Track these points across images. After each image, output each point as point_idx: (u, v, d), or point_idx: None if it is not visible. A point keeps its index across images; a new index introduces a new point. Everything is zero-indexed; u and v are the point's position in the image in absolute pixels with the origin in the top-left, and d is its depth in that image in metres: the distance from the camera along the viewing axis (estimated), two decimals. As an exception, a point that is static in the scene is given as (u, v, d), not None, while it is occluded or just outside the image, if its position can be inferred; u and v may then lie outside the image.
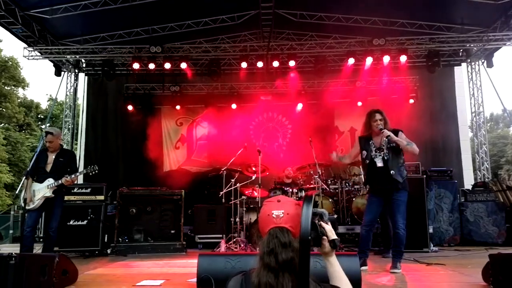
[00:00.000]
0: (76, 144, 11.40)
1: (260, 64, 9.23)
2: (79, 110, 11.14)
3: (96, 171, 5.57)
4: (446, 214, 7.62)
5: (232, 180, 7.28)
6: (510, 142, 32.27)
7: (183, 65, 9.26)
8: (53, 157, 5.45)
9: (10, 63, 26.30)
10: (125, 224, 7.12)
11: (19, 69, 27.20)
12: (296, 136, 10.28)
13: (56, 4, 8.01)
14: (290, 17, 8.99)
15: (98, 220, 6.96)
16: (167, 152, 10.64)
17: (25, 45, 9.04)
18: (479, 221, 7.61)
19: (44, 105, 32.11)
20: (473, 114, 10.42)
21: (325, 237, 1.66)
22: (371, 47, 8.94)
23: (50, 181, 5.28)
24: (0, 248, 7.99)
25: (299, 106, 10.39)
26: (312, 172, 7.67)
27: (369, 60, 9.06)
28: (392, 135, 4.67)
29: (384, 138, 4.76)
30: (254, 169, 7.47)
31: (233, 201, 7.17)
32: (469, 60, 10.33)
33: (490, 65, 9.63)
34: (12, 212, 10.81)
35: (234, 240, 6.61)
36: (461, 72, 10.86)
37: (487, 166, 9.96)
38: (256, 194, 7.28)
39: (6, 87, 26.42)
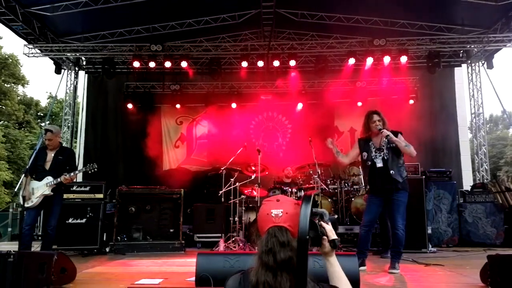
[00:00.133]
0: (76, 142, 11.40)
1: (260, 63, 9.24)
2: (79, 108, 11.12)
3: (95, 169, 5.56)
4: (444, 215, 7.63)
5: (232, 179, 7.29)
6: (509, 144, 32.28)
7: (184, 64, 9.26)
8: (52, 155, 5.44)
9: (10, 60, 26.27)
10: (124, 222, 7.11)
11: (19, 66, 27.18)
12: (296, 136, 10.28)
13: (57, 1, 8.02)
14: (291, 16, 8.99)
15: (97, 219, 6.96)
16: (166, 150, 10.64)
17: (25, 43, 9.05)
18: (478, 222, 7.62)
19: (44, 102, 32.13)
20: (473, 115, 10.43)
21: (325, 237, 1.66)
22: (372, 47, 8.95)
23: (49, 179, 5.28)
24: (-2, 245, 7.99)
25: (299, 106, 10.40)
26: (311, 172, 7.68)
27: (369, 60, 9.07)
28: (391, 134, 4.68)
29: (384, 139, 4.77)
30: (253, 168, 7.48)
31: (232, 201, 7.18)
32: (469, 61, 10.34)
33: (490, 66, 9.65)
34: (11, 210, 10.77)
35: (233, 239, 6.61)
36: (461, 73, 10.88)
37: (486, 167, 9.97)
38: (255, 193, 7.29)
39: (6, 85, 26.38)
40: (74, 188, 7.10)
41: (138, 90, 10.57)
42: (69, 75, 10.55)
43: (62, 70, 10.24)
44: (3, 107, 26.06)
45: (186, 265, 5.22)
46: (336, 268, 1.72)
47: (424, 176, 7.01)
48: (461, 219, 7.68)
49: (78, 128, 10.75)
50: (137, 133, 10.18)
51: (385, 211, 5.00)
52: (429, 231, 6.77)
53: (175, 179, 8.99)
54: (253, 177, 7.33)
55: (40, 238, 7.29)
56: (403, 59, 8.94)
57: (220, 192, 7.24)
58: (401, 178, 4.70)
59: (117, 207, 7.14)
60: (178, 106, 10.39)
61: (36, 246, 5.54)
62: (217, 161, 9.07)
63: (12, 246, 7.02)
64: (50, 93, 33.12)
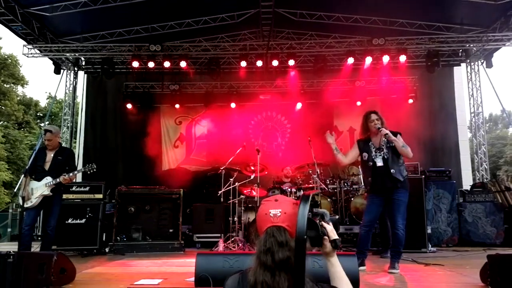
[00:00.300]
0: (75, 142, 11.39)
1: (259, 63, 9.23)
2: (78, 108, 11.11)
3: (94, 170, 5.56)
4: (444, 214, 7.63)
5: (231, 179, 7.28)
6: (509, 143, 32.31)
7: (183, 64, 9.25)
8: (52, 155, 5.44)
9: (10, 60, 26.24)
10: (123, 222, 7.11)
11: (19, 66, 27.16)
12: (295, 136, 10.27)
13: (56, 1, 8.01)
14: (290, 16, 8.98)
15: (97, 219, 6.95)
16: (166, 150, 10.63)
17: (25, 43, 9.05)
18: (478, 221, 7.62)
19: (43, 103, 32.08)
20: (472, 115, 10.43)
21: (326, 237, 1.66)
22: (371, 47, 8.95)
23: (48, 179, 5.28)
24: (-2, 246, 7.98)
25: (298, 106, 10.40)
26: (311, 171, 7.68)
27: (368, 60, 9.07)
28: (389, 133, 4.68)
29: (383, 138, 4.77)
30: (253, 168, 7.47)
31: (231, 200, 7.17)
32: (468, 61, 10.34)
33: (489, 65, 9.65)
34: (10, 210, 10.78)
35: (233, 239, 6.61)
36: (460, 72, 10.88)
37: (486, 167, 9.97)
38: (254, 193, 7.28)
39: (5, 85, 26.36)
40: (74, 188, 7.09)
41: (137, 90, 10.56)
42: (68, 75, 10.54)
43: (62, 70, 10.24)
44: (3, 107, 26.04)
45: (186, 265, 5.22)
46: (337, 269, 1.72)
47: (423, 176, 7.01)
48: (461, 218, 7.68)
49: (78, 128, 10.75)
50: (137, 133, 10.18)
51: (385, 211, 5.00)
52: (429, 231, 6.77)
53: (174, 179, 8.99)
54: (252, 177, 7.32)
55: (39, 238, 7.29)
56: (402, 58, 8.94)
57: (220, 192, 7.23)
58: (401, 177, 4.70)
59: (116, 207, 7.14)
60: (177, 106, 10.38)
61: (35, 247, 5.54)
62: (216, 161, 9.07)
63: (11, 247, 7.01)
64: (50, 93, 33.09)
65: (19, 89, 28.83)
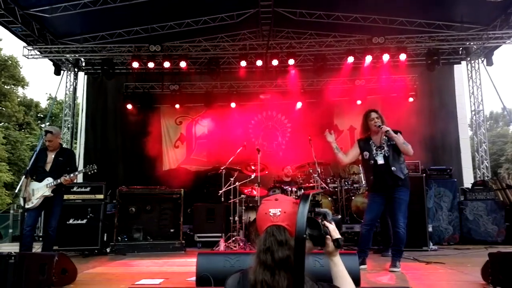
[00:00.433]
0: (76, 143, 11.40)
1: (259, 62, 9.22)
2: (78, 109, 11.13)
3: (95, 170, 5.57)
4: (445, 212, 7.62)
5: (232, 179, 7.28)
6: (509, 141, 32.30)
7: (183, 64, 9.25)
8: (53, 156, 5.45)
9: (10, 62, 26.27)
10: (124, 223, 7.12)
11: (19, 68, 27.20)
12: (296, 135, 10.26)
13: (56, 3, 8.00)
14: (289, 15, 8.97)
15: (98, 219, 6.97)
16: (166, 151, 10.63)
17: (25, 44, 9.05)
18: (479, 219, 7.61)
19: (43, 104, 32.11)
20: (473, 113, 10.41)
21: (328, 236, 1.66)
22: (371, 46, 8.94)
23: (49, 180, 5.28)
24: (-1, 247, 8.00)
25: (299, 105, 10.39)
26: (311, 170, 7.66)
27: (368, 59, 9.05)
28: (390, 130, 4.68)
29: (384, 136, 4.78)
30: (253, 168, 7.46)
31: (232, 200, 7.17)
32: (468, 59, 10.32)
33: (489, 63, 9.62)
34: (11, 211, 10.82)
35: (233, 239, 6.61)
36: (460, 70, 10.84)
37: (487, 165, 9.96)
38: (255, 193, 7.28)
39: (5, 86, 26.39)
40: (75, 189, 7.11)
41: (138, 91, 10.57)
42: (68, 76, 10.55)
43: (62, 71, 10.24)
44: (3, 108, 26.07)
45: (187, 265, 5.22)
46: (340, 268, 1.71)
47: (424, 174, 7.01)
48: (462, 216, 7.67)
49: (78, 129, 10.76)
50: (137, 133, 10.19)
51: (386, 210, 5.00)
52: (430, 229, 6.76)
53: (175, 179, 8.99)
54: (252, 176, 7.31)
55: (41, 239, 7.29)
56: (402, 57, 8.93)
57: (220, 191, 7.23)
58: (402, 174, 4.71)
59: (117, 208, 7.15)
60: (177, 106, 10.38)
61: (37, 247, 5.55)
62: (216, 161, 9.08)
63: (13, 247, 7.00)
64: (50, 94, 33.15)
65: (20, 91, 28.92)
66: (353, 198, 7.90)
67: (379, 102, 9.65)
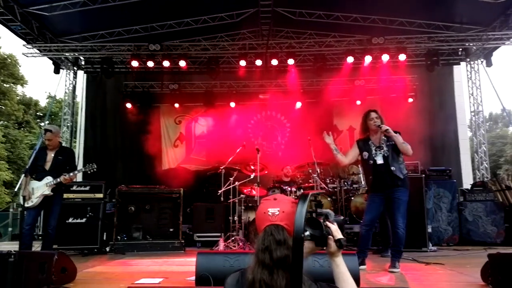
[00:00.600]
0: (75, 142, 11.40)
1: (259, 62, 9.22)
2: (78, 107, 11.13)
3: (95, 170, 5.57)
4: (445, 213, 7.62)
5: (231, 178, 7.27)
6: (509, 142, 32.32)
7: (182, 63, 9.25)
8: (52, 155, 5.44)
9: (9, 60, 26.22)
10: (124, 222, 7.12)
11: (18, 66, 27.15)
12: (295, 135, 10.26)
13: (55, 1, 8.01)
14: (289, 15, 8.98)
15: (97, 218, 6.96)
16: (165, 150, 10.63)
17: (24, 43, 9.04)
18: (478, 220, 7.61)
19: (43, 102, 32.08)
20: (472, 114, 10.42)
21: (331, 237, 1.66)
22: (370, 46, 8.95)
23: (48, 179, 5.28)
24: (-2, 245, 7.98)
25: (298, 105, 10.39)
26: (310, 171, 7.67)
27: (368, 59, 9.07)
28: (390, 129, 4.69)
29: (383, 136, 4.78)
30: (252, 167, 7.47)
31: (231, 200, 7.17)
32: (468, 59, 10.33)
33: (489, 64, 9.63)
34: (11, 210, 10.79)
35: (233, 238, 6.61)
36: (460, 71, 10.87)
37: (486, 166, 9.97)
38: (254, 192, 7.29)
39: (5, 85, 26.34)
40: (74, 188, 7.11)
41: (137, 90, 10.56)
42: (68, 75, 10.54)
43: (61, 70, 10.23)
44: (3, 107, 26.04)
45: (186, 264, 5.23)
46: (342, 269, 1.70)
47: (424, 175, 7.00)
48: (461, 217, 7.66)
49: (78, 127, 10.77)
50: (136, 132, 10.19)
51: (385, 210, 5.00)
52: (429, 230, 6.75)
53: (174, 178, 8.98)
54: (252, 176, 7.31)
55: (40, 238, 7.29)
56: (402, 57, 8.95)
57: (220, 191, 7.23)
58: (402, 175, 4.71)
59: (117, 207, 7.15)
60: (176, 105, 10.38)
61: (36, 246, 5.54)
62: (216, 161, 9.05)
63: (12, 246, 7.00)
64: (49, 93, 33.09)
65: (19, 89, 28.85)
66: (352, 198, 7.90)
67: (379, 103, 9.66)
